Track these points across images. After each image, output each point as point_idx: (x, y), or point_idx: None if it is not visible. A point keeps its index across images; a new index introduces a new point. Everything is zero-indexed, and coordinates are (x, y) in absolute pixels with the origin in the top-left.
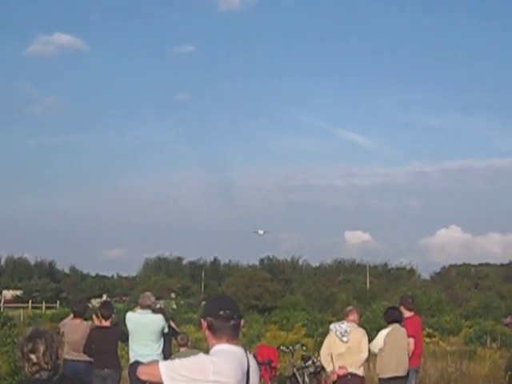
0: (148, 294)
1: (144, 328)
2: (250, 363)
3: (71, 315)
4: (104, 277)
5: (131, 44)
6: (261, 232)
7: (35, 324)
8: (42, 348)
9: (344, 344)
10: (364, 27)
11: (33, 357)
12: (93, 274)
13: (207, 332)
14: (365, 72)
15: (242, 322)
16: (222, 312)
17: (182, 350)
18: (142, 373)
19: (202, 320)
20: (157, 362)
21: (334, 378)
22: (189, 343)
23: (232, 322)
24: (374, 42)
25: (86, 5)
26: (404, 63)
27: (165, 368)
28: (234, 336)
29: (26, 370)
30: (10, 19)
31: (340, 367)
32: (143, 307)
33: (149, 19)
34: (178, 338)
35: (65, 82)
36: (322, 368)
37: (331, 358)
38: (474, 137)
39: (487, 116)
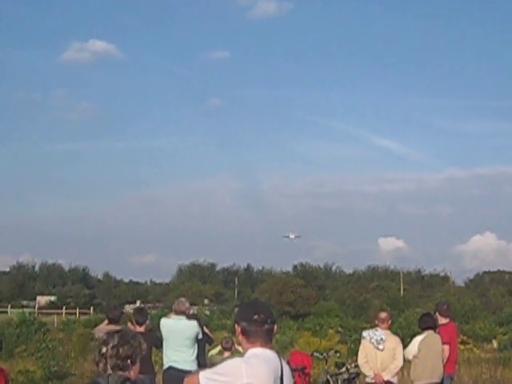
0: (183, 299)
1: (178, 334)
2: (284, 368)
3: (106, 321)
4: (137, 283)
5: (164, 49)
6: (292, 236)
7: (68, 329)
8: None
9: (379, 352)
10: (395, 34)
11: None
12: (126, 280)
13: (241, 337)
14: (397, 78)
15: (276, 327)
16: (256, 317)
17: (226, 354)
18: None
19: (236, 325)
20: (198, 371)
21: (379, 380)
22: (233, 348)
23: (266, 327)
24: (406, 48)
25: (120, 11)
26: (437, 69)
27: (202, 376)
28: (267, 341)
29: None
30: (44, 26)
31: (376, 375)
32: (178, 313)
33: (183, 25)
34: (223, 341)
35: (98, 87)
36: (356, 375)
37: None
38: (507, 143)
39: None
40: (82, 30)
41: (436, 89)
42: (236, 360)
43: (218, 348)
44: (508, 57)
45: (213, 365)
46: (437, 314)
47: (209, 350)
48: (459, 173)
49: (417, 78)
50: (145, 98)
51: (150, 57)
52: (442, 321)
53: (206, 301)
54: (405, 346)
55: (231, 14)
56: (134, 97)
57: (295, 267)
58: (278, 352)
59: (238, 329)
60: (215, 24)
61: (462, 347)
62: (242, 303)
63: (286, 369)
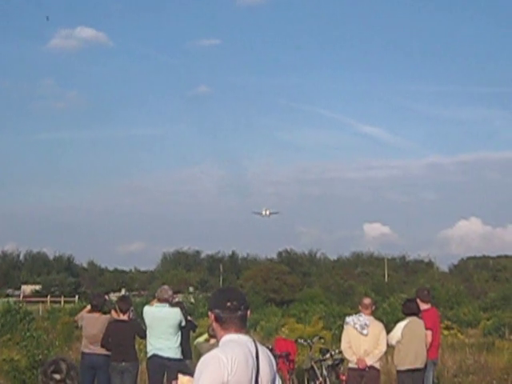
0: (166, 287)
1: (161, 321)
2: (259, 351)
3: (87, 308)
4: (122, 271)
5: (153, 37)
6: (265, 213)
7: (53, 317)
8: (64, 368)
9: (363, 337)
10: (381, 20)
11: (56, 376)
12: (111, 268)
13: (215, 324)
14: (381, 65)
15: (249, 312)
16: (229, 303)
17: (212, 341)
18: None
19: (210, 312)
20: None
21: (363, 365)
22: None
23: (239, 313)
24: (392, 34)
25: None
26: (421, 56)
27: None
28: (241, 326)
29: None
30: (31, 13)
31: (359, 359)
32: (161, 301)
33: (173, 12)
34: (210, 328)
35: (86, 75)
36: (340, 361)
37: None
38: (490, 129)
39: (503, 108)
40: (68, 17)
41: (421, 75)
42: (211, 354)
43: (205, 335)
44: (494, 43)
45: (200, 352)
46: (417, 299)
47: (194, 338)
48: (443, 159)
49: (402, 65)
50: (133, 86)
51: (138, 44)
52: (423, 306)
53: (190, 288)
54: (389, 332)
55: (221, 0)
56: (123, 85)
57: (280, 254)
58: (252, 337)
59: (211, 316)
60: (205, 11)
61: (446, 332)
62: (215, 290)
63: (263, 352)
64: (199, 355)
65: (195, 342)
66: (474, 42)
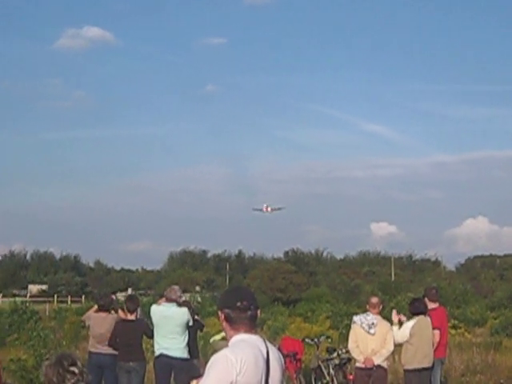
0: (175, 287)
1: (169, 321)
2: (270, 351)
3: (94, 307)
4: (129, 270)
5: (160, 36)
6: (267, 209)
7: (60, 317)
8: (79, 362)
9: (371, 336)
10: (385, 20)
11: (74, 369)
12: (117, 267)
13: (224, 323)
14: (386, 64)
15: (259, 311)
16: (239, 303)
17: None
18: None
19: (220, 312)
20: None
21: (370, 364)
22: None
23: (249, 313)
24: (395, 33)
25: None
26: (426, 54)
27: None
28: (251, 326)
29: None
30: (38, 13)
31: (367, 359)
32: (169, 300)
33: (180, 11)
34: None
35: (92, 75)
36: (348, 360)
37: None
38: (496, 127)
39: (508, 106)
40: (75, 16)
41: (425, 74)
42: (220, 354)
43: (222, 334)
44: (497, 42)
45: (215, 350)
46: (425, 299)
47: (201, 337)
48: (449, 157)
49: (406, 64)
50: (139, 85)
51: (144, 43)
52: (431, 305)
53: (197, 287)
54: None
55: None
56: (129, 84)
57: (286, 253)
58: (262, 336)
59: (221, 316)
60: (211, 10)
61: (453, 332)
62: (225, 289)
63: (274, 352)
64: (213, 352)
65: (211, 340)
66: (478, 41)
